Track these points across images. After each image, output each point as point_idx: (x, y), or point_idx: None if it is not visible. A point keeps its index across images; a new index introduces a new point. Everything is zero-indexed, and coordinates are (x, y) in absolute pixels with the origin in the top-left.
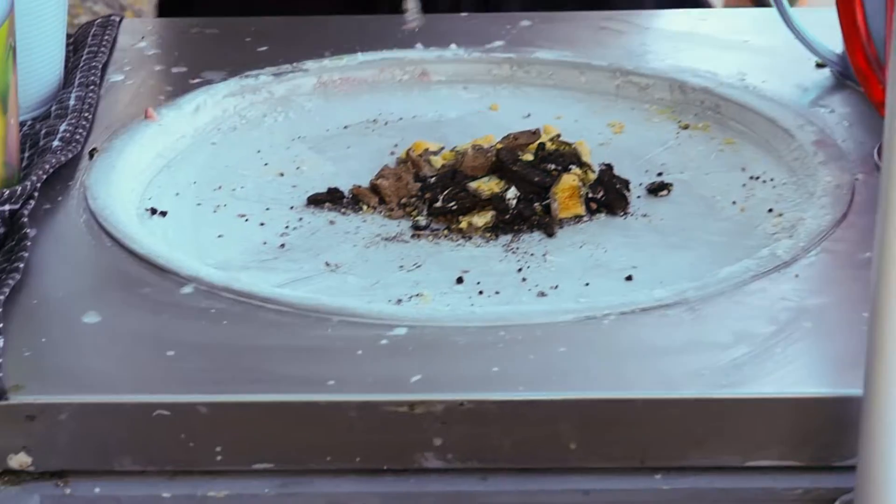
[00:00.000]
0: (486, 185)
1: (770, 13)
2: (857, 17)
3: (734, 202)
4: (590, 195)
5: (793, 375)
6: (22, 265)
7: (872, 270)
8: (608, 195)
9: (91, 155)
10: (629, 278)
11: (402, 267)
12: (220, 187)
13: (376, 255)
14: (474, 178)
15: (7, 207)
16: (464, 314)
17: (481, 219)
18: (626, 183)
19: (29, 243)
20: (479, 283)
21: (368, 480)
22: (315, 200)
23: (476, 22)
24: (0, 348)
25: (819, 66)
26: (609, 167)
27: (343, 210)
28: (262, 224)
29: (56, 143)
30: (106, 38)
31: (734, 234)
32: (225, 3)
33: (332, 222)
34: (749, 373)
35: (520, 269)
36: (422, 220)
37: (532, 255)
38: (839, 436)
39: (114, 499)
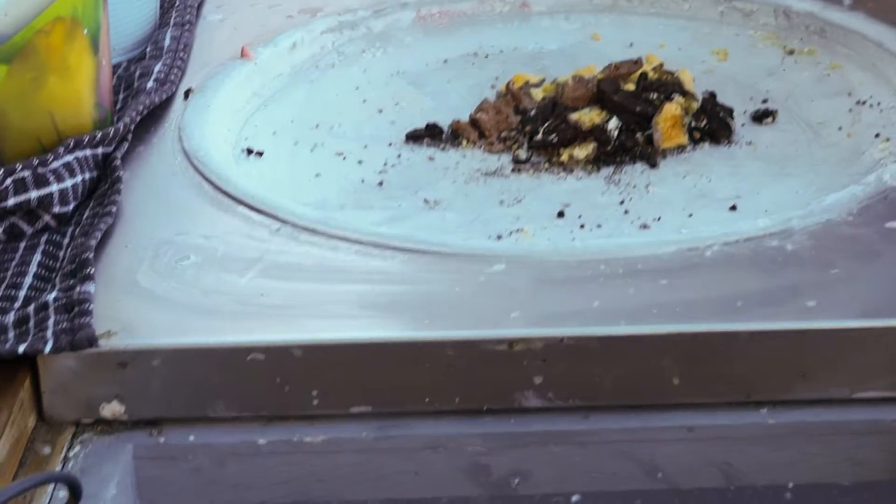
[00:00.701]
0: (587, 117)
1: None
2: None
3: (840, 128)
4: (693, 124)
5: None
6: (115, 209)
7: None
8: (711, 124)
9: (186, 95)
10: (733, 208)
11: (502, 202)
12: (317, 125)
13: (476, 190)
14: (575, 110)
15: (100, 150)
16: (564, 248)
17: (582, 151)
18: (729, 111)
19: (122, 186)
20: (580, 216)
21: (468, 421)
22: (414, 136)
23: None
24: (91, 294)
25: None
26: (712, 95)
27: (442, 146)
28: (360, 162)
29: (150, 83)
30: None
31: (840, 160)
32: None
33: (431, 158)
34: (856, 301)
35: (622, 202)
36: (522, 154)
37: (634, 186)
38: None
39: (208, 446)
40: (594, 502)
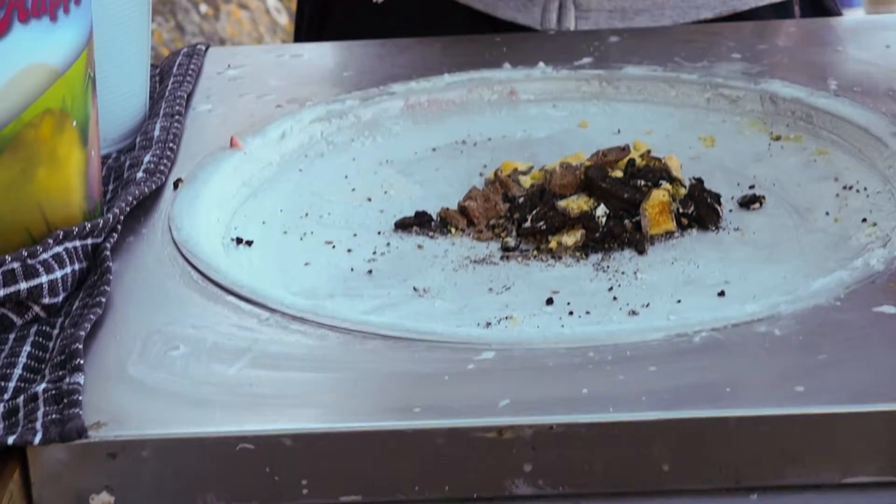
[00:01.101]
0: (576, 204)
1: (862, 21)
2: None
3: (827, 213)
4: (681, 210)
5: (890, 387)
6: (104, 299)
7: None
8: (699, 210)
9: (176, 185)
10: (721, 294)
11: (491, 289)
12: (306, 214)
13: (465, 278)
14: (563, 197)
15: (90, 241)
16: (552, 335)
17: (571, 238)
18: (717, 197)
19: (111, 277)
20: (569, 303)
21: None
22: (402, 225)
23: (564, 39)
24: (80, 384)
25: None
26: (700, 181)
27: (431, 233)
28: (349, 250)
29: (140, 174)
30: (192, 67)
31: (827, 245)
32: (357, 28)
33: (420, 246)
34: (845, 386)
35: (610, 288)
36: (511, 241)
37: (623, 273)
38: None
39: None
40: None
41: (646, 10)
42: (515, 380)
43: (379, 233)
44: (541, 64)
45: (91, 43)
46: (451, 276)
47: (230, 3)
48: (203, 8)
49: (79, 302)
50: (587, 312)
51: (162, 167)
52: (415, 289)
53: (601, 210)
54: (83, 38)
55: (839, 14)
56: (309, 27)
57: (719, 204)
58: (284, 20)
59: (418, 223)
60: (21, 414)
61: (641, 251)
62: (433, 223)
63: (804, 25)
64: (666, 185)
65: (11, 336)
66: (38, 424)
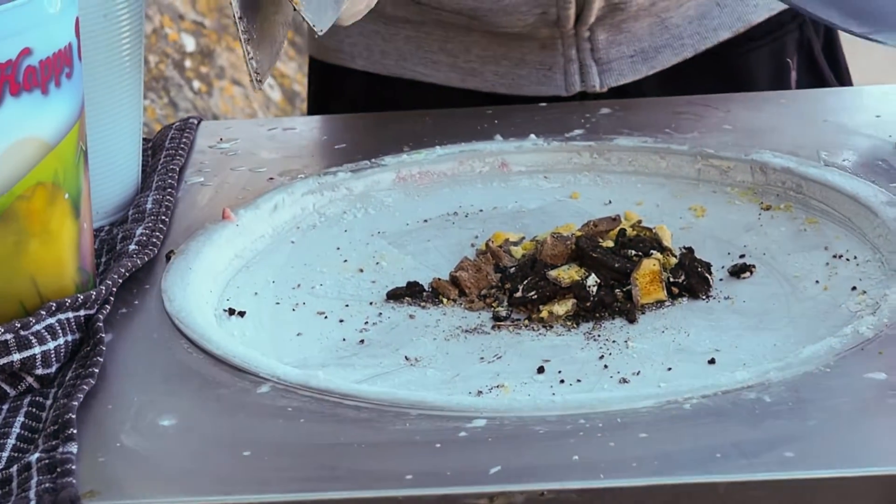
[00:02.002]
0: (566, 274)
1: (850, 91)
2: None
3: (817, 281)
4: (671, 279)
5: (879, 453)
6: (97, 371)
7: None
8: (690, 279)
9: (168, 257)
10: (712, 361)
11: (482, 359)
12: (298, 285)
13: (456, 347)
14: (554, 267)
15: (82, 313)
16: (544, 403)
17: (562, 307)
18: (707, 266)
19: (104, 348)
20: (560, 371)
21: None
22: (394, 295)
23: (555, 111)
24: (73, 454)
25: None
26: (690, 250)
27: (423, 304)
28: (341, 321)
29: (132, 246)
30: (184, 140)
31: (817, 313)
32: (362, 103)
33: (411, 316)
34: (835, 451)
35: (601, 357)
36: (502, 311)
37: (614, 341)
38: None
39: None
40: None
41: (665, 45)
42: (506, 447)
43: (371, 303)
44: (532, 136)
45: (83, 116)
46: (442, 346)
47: (223, 79)
48: (196, 84)
49: (72, 373)
50: (578, 381)
51: (154, 239)
52: (406, 358)
53: (592, 280)
54: (75, 111)
55: (834, 83)
56: (314, 102)
57: (709, 273)
58: (278, 96)
59: (410, 294)
60: (14, 483)
61: (632, 320)
62: (425, 293)
63: (795, 97)
64: (656, 254)
65: (5, 407)
66: (32, 493)
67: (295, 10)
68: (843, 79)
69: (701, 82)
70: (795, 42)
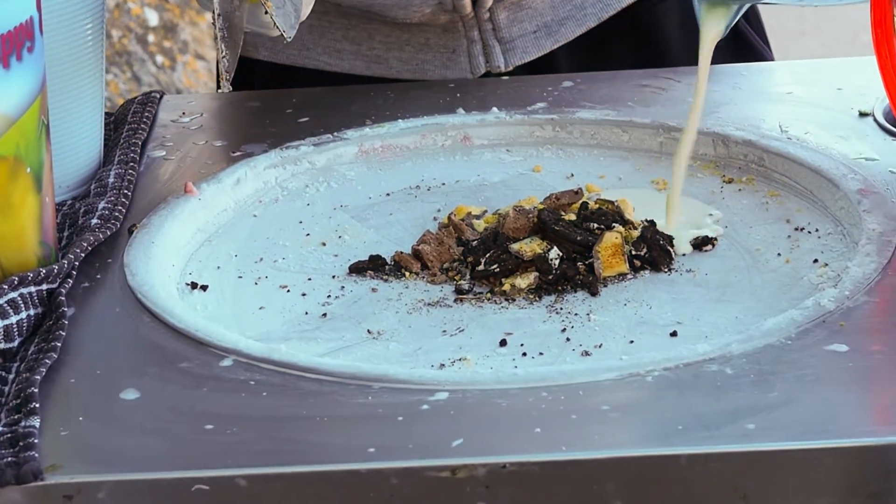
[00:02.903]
0: (529, 247)
1: (811, 64)
2: None
3: (779, 254)
4: (633, 252)
5: (840, 425)
6: (59, 345)
7: None
8: (651, 252)
9: (130, 231)
10: (674, 334)
11: (444, 332)
12: (261, 259)
13: (419, 320)
14: (516, 240)
15: (45, 287)
16: (506, 376)
17: (524, 280)
18: (669, 239)
19: (66, 322)
20: (522, 344)
21: None
22: (357, 269)
23: (517, 85)
24: (35, 428)
25: (862, 115)
26: (652, 224)
27: (385, 277)
28: (303, 294)
29: (95, 220)
30: (146, 114)
31: (779, 286)
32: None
33: (374, 290)
34: (796, 423)
35: (563, 330)
36: (465, 284)
37: (576, 314)
38: (890, 484)
39: None
40: None
41: (568, 17)
42: (469, 420)
43: (333, 277)
44: (494, 109)
45: (44, 90)
46: (405, 319)
47: (186, 53)
48: (159, 59)
49: (34, 347)
50: (540, 354)
51: (117, 213)
52: (369, 331)
53: (554, 253)
54: (36, 85)
55: (749, 32)
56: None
57: (671, 246)
58: None
59: (372, 267)
60: None
61: (594, 293)
62: (387, 267)
63: (757, 69)
64: (618, 227)
65: None
66: None
67: (266, 13)
68: (752, 24)
69: (611, 46)
70: None
